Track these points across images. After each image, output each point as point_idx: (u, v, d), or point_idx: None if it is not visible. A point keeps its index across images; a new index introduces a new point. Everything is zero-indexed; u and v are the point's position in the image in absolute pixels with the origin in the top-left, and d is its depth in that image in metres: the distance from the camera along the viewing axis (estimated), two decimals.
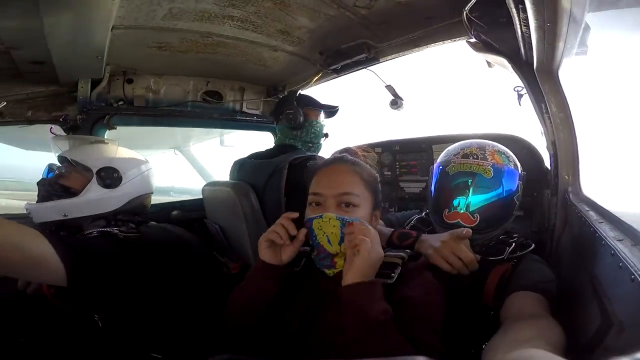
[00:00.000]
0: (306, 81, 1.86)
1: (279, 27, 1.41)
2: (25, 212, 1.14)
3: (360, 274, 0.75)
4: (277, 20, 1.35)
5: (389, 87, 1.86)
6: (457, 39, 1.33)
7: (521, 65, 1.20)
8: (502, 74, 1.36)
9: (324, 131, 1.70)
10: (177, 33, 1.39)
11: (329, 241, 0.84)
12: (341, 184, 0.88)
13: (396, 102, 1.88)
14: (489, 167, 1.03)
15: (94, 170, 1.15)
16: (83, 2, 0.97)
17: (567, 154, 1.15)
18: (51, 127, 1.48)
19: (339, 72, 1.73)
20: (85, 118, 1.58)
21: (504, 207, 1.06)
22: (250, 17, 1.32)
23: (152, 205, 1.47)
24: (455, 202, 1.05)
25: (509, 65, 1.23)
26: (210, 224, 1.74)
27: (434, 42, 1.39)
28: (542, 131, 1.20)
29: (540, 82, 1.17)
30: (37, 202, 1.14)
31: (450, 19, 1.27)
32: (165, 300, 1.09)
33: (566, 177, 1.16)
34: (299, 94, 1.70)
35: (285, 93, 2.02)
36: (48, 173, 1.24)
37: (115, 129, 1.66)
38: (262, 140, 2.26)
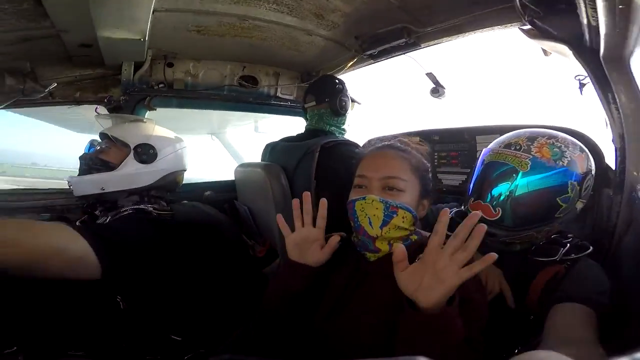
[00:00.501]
0: (340, 66, 1.81)
1: (313, 10, 1.36)
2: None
3: (436, 301, 0.66)
4: (312, 3, 1.31)
5: (430, 75, 1.76)
6: (508, 25, 1.20)
7: (584, 52, 1.07)
8: (560, 62, 1.22)
9: None
10: (215, 16, 1.39)
11: (370, 223, 0.83)
12: (387, 167, 0.86)
13: (437, 91, 1.77)
14: (527, 160, 0.92)
15: (132, 146, 1.20)
16: None
17: (637, 149, 1.00)
18: (96, 108, 1.57)
19: (375, 57, 1.66)
20: (128, 99, 1.65)
21: (540, 207, 0.94)
22: (286, 0, 1.29)
23: (185, 184, 1.51)
24: (481, 193, 0.99)
25: (569, 53, 1.09)
26: (240, 205, 1.76)
27: (482, 28, 1.27)
28: (608, 123, 1.06)
29: (608, 70, 1.02)
30: (78, 175, 1.21)
31: (500, 4, 1.15)
32: (190, 282, 1.12)
33: (635, 173, 1.01)
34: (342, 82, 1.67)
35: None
36: (90, 148, 1.31)
37: (155, 109, 1.72)
38: (296, 128, 2.25)
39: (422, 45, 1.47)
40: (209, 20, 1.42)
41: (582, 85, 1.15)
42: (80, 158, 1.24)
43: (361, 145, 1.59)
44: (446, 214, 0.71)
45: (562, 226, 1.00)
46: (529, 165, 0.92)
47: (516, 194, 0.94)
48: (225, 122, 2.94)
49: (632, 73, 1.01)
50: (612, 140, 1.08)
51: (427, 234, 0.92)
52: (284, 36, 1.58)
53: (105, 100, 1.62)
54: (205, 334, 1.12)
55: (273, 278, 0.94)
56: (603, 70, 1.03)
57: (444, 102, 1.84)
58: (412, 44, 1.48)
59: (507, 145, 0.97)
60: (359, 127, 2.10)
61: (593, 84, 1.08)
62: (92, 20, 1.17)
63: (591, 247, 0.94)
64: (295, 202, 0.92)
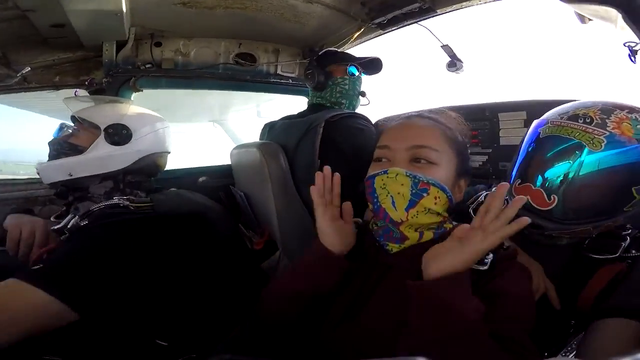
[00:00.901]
0: (346, 39, 1.63)
1: None
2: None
3: (452, 267, 0.58)
4: None
5: (446, 47, 1.57)
6: None
7: (637, 14, 0.88)
8: (602, 30, 1.04)
9: (359, 89, 1.48)
10: None
11: (393, 204, 0.68)
12: (416, 135, 0.72)
13: (455, 64, 1.59)
14: (602, 137, 0.72)
15: (102, 127, 1.08)
16: None
17: None
18: (75, 91, 1.44)
19: (384, 27, 1.48)
20: (111, 81, 1.52)
21: (608, 197, 0.75)
22: None
23: (176, 170, 1.39)
24: (531, 173, 0.80)
25: (617, 17, 0.91)
26: (236, 191, 1.64)
27: None
28: None
29: None
30: (48, 161, 1.10)
31: None
32: (177, 281, 1.01)
33: None
34: (324, 51, 1.50)
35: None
36: (58, 132, 1.20)
37: (142, 91, 1.59)
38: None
39: (439, 12, 1.29)
40: None
41: (634, 53, 0.97)
42: (49, 143, 1.13)
43: (372, 121, 1.44)
44: (505, 186, 0.59)
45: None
46: (602, 144, 0.72)
47: (580, 178, 0.74)
48: (226, 108, 2.78)
49: None
50: None
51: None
52: (281, 6, 1.41)
53: (87, 83, 1.49)
54: (195, 338, 1.03)
55: (287, 272, 0.80)
56: None
57: (461, 77, 1.66)
58: (427, 10, 1.29)
59: (573, 116, 0.77)
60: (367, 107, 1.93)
61: None
62: None
63: None
64: (319, 175, 0.78)
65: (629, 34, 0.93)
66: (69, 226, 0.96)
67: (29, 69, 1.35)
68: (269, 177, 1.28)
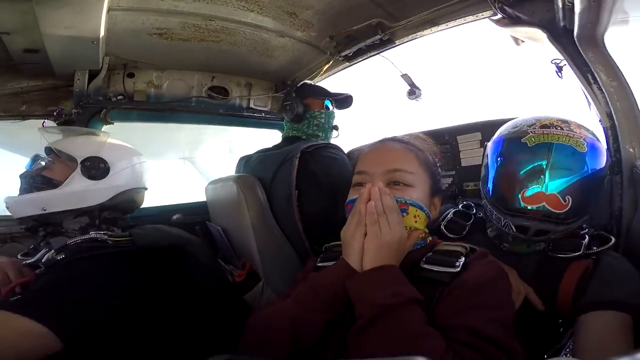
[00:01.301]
0: (316, 72, 1.76)
1: (285, 8, 1.31)
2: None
3: (373, 260, 0.66)
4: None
5: (405, 76, 1.74)
6: (480, 14, 1.20)
7: (559, 34, 1.07)
8: (533, 50, 1.23)
9: (333, 123, 1.56)
10: (178, 16, 1.30)
11: None
12: (392, 160, 0.77)
13: (414, 92, 1.76)
14: (582, 139, 0.83)
15: (79, 160, 1.05)
16: None
17: (628, 124, 0.99)
18: (43, 122, 1.39)
19: (350, 59, 1.62)
20: (81, 112, 1.49)
21: (596, 191, 0.87)
22: None
23: (149, 208, 1.35)
24: (538, 181, 0.84)
25: (543, 37, 1.10)
26: (212, 226, 1.60)
27: (455, 19, 1.27)
28: (591, 104, 1.05)
29: (583, 50, 1.03)
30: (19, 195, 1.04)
31: None
32: (160, 315, 0.96)
33: (631, 150, 0.99)
34: (302, 83, 1.60)
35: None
36: (31, 165, 1.13)
37: (112, 123, 1.57)
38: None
39: (397, 42, 1.45)
40: (171, 22, 1.32)
41: (559, 69, 1.15)
42: (21, 176, 1.07)
43: (345, 151, 1.51)
44: (373, 188, 0.70)
45: None
46: (586, 145, 0.83)
47: (586, 179, 0.84)
48: (196, 145, 2.78)
49: (607, 51, 1.02)
50: (600, 121, 1.07)
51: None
52: (255, 40, 1.51)
53: (55, 113, 1.45)
54: None
55: (278, 310, 0.75)
56: (579, 51, 1.04)
57: (421, 104, 1.82)
58: (386, 41, 1.45)
59: (545, 126, 0.86)
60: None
61: (571, 66, 1.08)
62: (37, 19, 1.05)
63: (613, 238, 0.88)
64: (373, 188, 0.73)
65: (555, 52, 1.11)
66: (43, 260, 0.92)
67: None
68: (247, 210, 1.29)
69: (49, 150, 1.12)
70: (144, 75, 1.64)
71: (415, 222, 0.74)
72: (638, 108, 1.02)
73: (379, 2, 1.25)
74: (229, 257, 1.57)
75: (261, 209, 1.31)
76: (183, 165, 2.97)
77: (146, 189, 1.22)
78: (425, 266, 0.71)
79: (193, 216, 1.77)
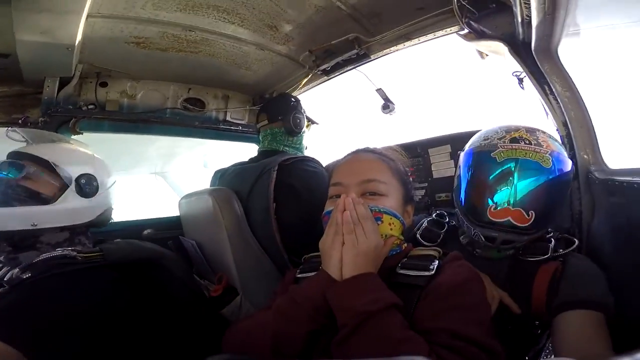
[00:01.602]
0: (294, 86, 1.80)
1: (267, 21, 1.35)
2: None
3: (352, 269, 0.67)
4: (265, 12, 1.29)
5: (380, 91, 1.83)
6: (449, 29, 1.31)
7: (518, 47, 1.18)
8: (497, 64, 1.35)
9: None
10: (158, 26, 1.30)
11: None
12: (365, 170, 0.80)
13: (388, 107, 1.84)
14: (547, 155, 0.89)
15: (74, 177, 1.02)
16: None
17: (582, 132, 1.08)
18: (7, 130, 1.30)
19: (329, 73, 1.68)
20: (49, 121, 1.41)
21: (559, 202, 0.93)
22: (237, 8, 1.26)
23: (117, 222, 1.31)
24: (505, 196, 0.89)
25: (505, 50, 1.21)
26: (186, 240, 1.55)
27: (426, 34, 1.37)
28: (548, 113, 1.15)
29: (540, 62, 1.14)
30: None
31: (441, 8, 1.24)
32: (135, 331, 0.92)
33: (585, 156, 1.08)
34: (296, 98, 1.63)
35: None
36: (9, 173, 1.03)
37: (82, 133, 1.50)
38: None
39: (372, 57, 1.53)
40: (150, 31, 1.32)
41: (520, 81, 1.26)
42: None
43: (323, 165, 1.54)
44: (347, 199, 0.71)
45: None
46: (550, 161, 0.89)
47: (545, 192, 0.89)
48: (169, 159, 2.70)
49: (561, 63, 1.13)
50: (557, 130, 1.17)
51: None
52: (234, 52, 1.53)
53: (20, 121, 1.37)
54: None
55: (260, 323, 0.74)
56: (536, 63, 1.15)
57: (394, 118, 1.91)
58: (362, 56, 1.53)
59: (514, 140, 0.91)
60: (316, 149, 2.06)
61: (529, 77, 1.18)
62: (11, 22, 1.01)
63: (576, 240, 0.94)
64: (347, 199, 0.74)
65: (515, 65, 1.22)
66: (6, 279, 0.86)
67: None
68: (224, 223, 1.28)
69: (26, 156, 1.03)
70: (118, 84, 1.60)
71: (391, 229, 0.76)
72: (589, 117, 1.11)
73: (356, 17, 1.33)
74: (203, 271, 1.53)
75: (238, 222, 1.30)
76: (154, 180, 2.85)
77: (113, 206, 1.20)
78: (401, 271, 0.74)
79: (165, 231, 1.71)
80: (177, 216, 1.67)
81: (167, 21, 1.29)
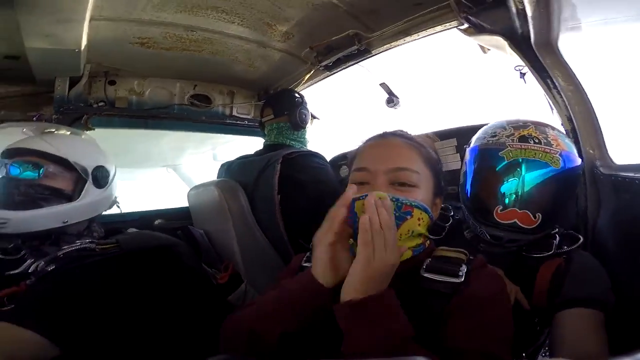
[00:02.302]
0: (297, 81, 1.81)
1: (266, 20, 1.36)
2: None
3: (359, 288, 0.57)
4: (264, 11, 1.30)
5: (384, 85, 1.82)
6: (448, 24, 1.27)
7: (518, 41, 1.14)
8: (500, 58, 1.31)
9: None
10: (159, 27, 1.33)
11: None
12: (396, 157, 0.70)
13: (392, 100, 1.83)
14: (557, 155, 0.86)
15: (90, 170, 1.06)
16: None
17: (587, 127, 1.05)
18: (24, 128, 1.38)
19: (330, 68, 1.68)
20: (62, 118, 1.48)
21: (567, 204, 0.92)
22: (236, 8, 1.27)
23: (131, 213, 1.37)
24: (512, 198, 0.88)
25: (505, 45, 1.17)
26: (195, 230, 1.62)
27: (425, 29, 1.33)
28: (553, 108, 1.12)
29: (541, 57, 1.10)
30: (12, 209, 0.97)
31: (439, 3, 1.21)
32: (150, 316, 0.97)
33: (591, 151, 1.05)
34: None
35: None
36: (20, 173, 1.01)
37: (94, 129, 1.57)
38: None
39: (373, 52, 1.51)
40: (153, 32, 1.35)
41: (522, 75, 1.23)
42: (10, 187, 0.99)
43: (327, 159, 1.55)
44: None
45: None
46: (560, 162, 0.86)
47: (553, 194, 0.88)
48: (180, 153, 2.79)
49: (562, 57, 1.09)
50: (562, 124, 1.14)
51: None
52: (236, 50, 1.55)
53: (34, 119, 1.45)
54: None
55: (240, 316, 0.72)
56: (537, 57, 1.11)
57: (399, 111, 1.89)
58: (363, 51, 1.52)
59: (523, 138, 0.88)
60: (318, 143, 2.07)
61: (532, 72, 1.15)
62: (18, 26, 1.06)
63: (581, 237, 0.92)
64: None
65: (517, 59, 1.19)
66: (30, 271, 0.92)
67: None
68: (229, 213, 1.33)
69: (38, 153, 1.03)
70: (126, 82, 1.65)
71: (419, 225, 0.68)
72: (594, 111, 1.08)
73: (354, 14, 1.32)
74: (211, 259, 1.58)
75: (242, 213, 1.35)
76: (167, 173, 2.95)
77: None
78: (427, 275, 0.66)
79: (175, 221, 1.77)
80: (186, 207, 1.74)
81: (169, 22, 1.32)
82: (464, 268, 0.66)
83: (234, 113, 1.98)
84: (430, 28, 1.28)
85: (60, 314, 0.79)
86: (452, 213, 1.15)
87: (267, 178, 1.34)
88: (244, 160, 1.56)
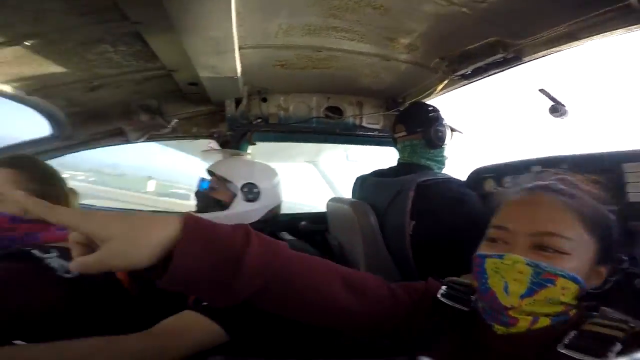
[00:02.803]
0: (429, 91, 1.63)
1: (385, 35, 1.28)
2: None
3: None
4: (383, 26, 1.23)
5: (543, 91, 1.40)
6: (633, 27, 0.85)
7: None
8: None
9: None
10: (292, 50, 1.47)
11: (506, 289, 0.58)
12: (544, 219, 0.60)
13: (557, 109, 1.39)
14: None
15: (239, 186, 1.30)
16: (204, 25, 1.05)
17: None
18: (210, 143, 1.83)
19: (469, 77, 1.43)
20: (234, 134, 1.85)
21: None
22: (353, 27, 1.26)
23: (283, 214, 1.53)
24: None
25: None
26: (332, 238, 1.75)
27: (600, 33, 0.93)
28: None
29: None
30: (196, 212, 1.33)
31: (615, 4, 0.82)
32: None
33: None
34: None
35: (406, 104, 1.85)
36: (202, 186, 1.40)
37: (255, 144, 1.89)
38: (386, 155, 2.14)
39: (525, 59, 1.18)
40: (288, 54, 1.51)
41: None
42: (197, 195, 1.39)
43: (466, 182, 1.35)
44: None
45: None
46: None
47: None
48: (319, 150, 3.13)
49: None
50: None
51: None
52: (360, 64, 1.55)
53: (215, 135, 1.87)
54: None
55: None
56: None
57: (564, 122, 1.43)
58: (512, 59, 1.21)
59: None
60: (460, 159, 1.82)
61: None
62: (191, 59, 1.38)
63: None
64: None
65: None
66: None
67: (177, 120, 1.80)
68: (360, 234, 1.37)
69: (211, 173, 1.40)
70: (274, 99, 1.92)
71: (562, 294, 0.57)
72: None
73: (493, 20, 1.05)
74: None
75: (372, 234, 1.36)
76: (308, 167, 3.37)
77: (282, 201, 1.44)
78: (565, 351, 0.53)
79: (316, 224, 1.97)
80: (324, 212, 1.89)
81: (298, 45, 1.43)
82: (616, 347, 0.49)
83: (363, 124, 2.00)
84: (608, 31, 0.88)
85: (241, 311, 0.87)
86: (624, 265, 0.80)
87: (398, 205, 1.28)
88: (378, 180, 1.52)
